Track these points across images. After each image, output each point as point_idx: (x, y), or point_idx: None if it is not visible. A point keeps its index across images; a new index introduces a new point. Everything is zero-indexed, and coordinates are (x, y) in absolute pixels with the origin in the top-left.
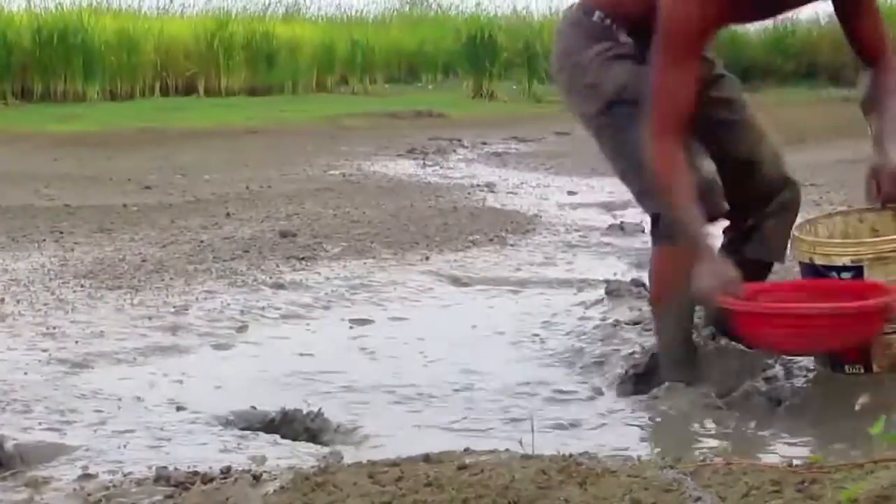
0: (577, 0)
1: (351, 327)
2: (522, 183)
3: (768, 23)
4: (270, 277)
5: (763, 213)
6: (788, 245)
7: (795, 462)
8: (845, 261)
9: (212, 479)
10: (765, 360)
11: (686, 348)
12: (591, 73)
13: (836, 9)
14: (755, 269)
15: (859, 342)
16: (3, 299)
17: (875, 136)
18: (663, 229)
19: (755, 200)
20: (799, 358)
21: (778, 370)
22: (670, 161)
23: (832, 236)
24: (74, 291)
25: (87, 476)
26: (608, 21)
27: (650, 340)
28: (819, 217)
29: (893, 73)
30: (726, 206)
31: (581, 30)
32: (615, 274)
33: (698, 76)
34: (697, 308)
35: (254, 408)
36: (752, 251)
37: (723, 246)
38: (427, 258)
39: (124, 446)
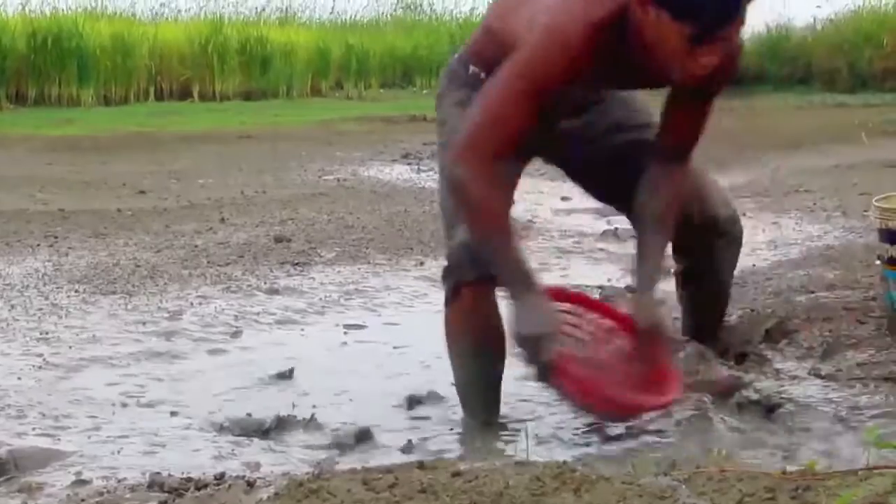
0: (458, 52)
1: (345, 332)
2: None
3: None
4: (265, 283)
5: (707, 249)
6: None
7: (789, 469)
8: None
9: (206, 486)
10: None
11: (475, 390)
12: (445, 111)
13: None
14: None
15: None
16: None
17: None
18: (465, 267)
19: (697, 236)
20: (792, 366)
21: (770, 382)
22: (495, 186)
23: None
24: (68, 296)
25: (80, 482)
26: (482, 75)
27: None
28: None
29: (675, 186)
30: None
31: (454, 78)
32: (609, 280)
33: (534, 121)
34: None
35: (248, 414)
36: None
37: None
38: (422, 263)
39: (118, 452)
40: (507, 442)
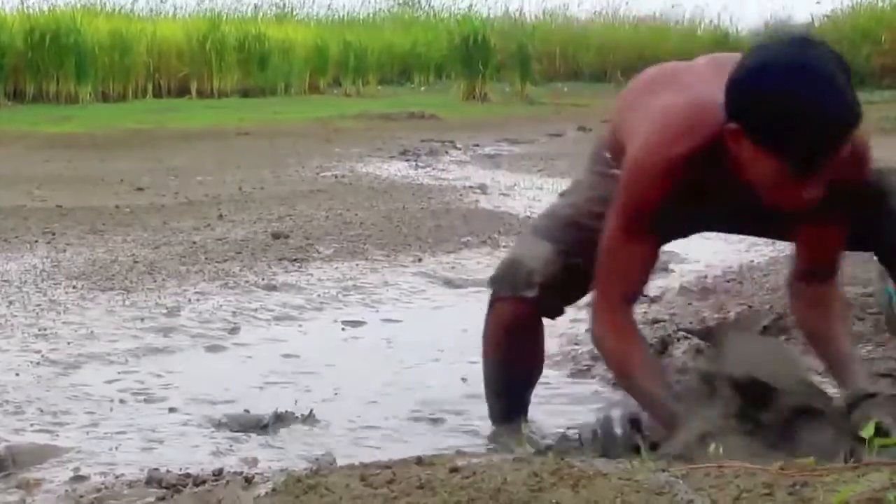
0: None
1: (343, 329)
2: (515, 185)
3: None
4: (263, 279)
5: None
6: None
7: (787, 465)
8: None
9: (204, 482)
10: None
11: (498, 398)
12: (582, 174)
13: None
14: None
15: None
16: None
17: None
18: (502, 282)
19: None
20: None
21: None
22: (624, 337)
23: None
24: (66, 293)
25: (78, 478)
26: (612, 162)
27: None
28: None
29: (829, 307)
30: (565, 309)
31: (594, 156)
32: None
33: (653, 255)
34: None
35: (246, 410)
36: None
37: None
38: (419, 260)
39: (116, 448)
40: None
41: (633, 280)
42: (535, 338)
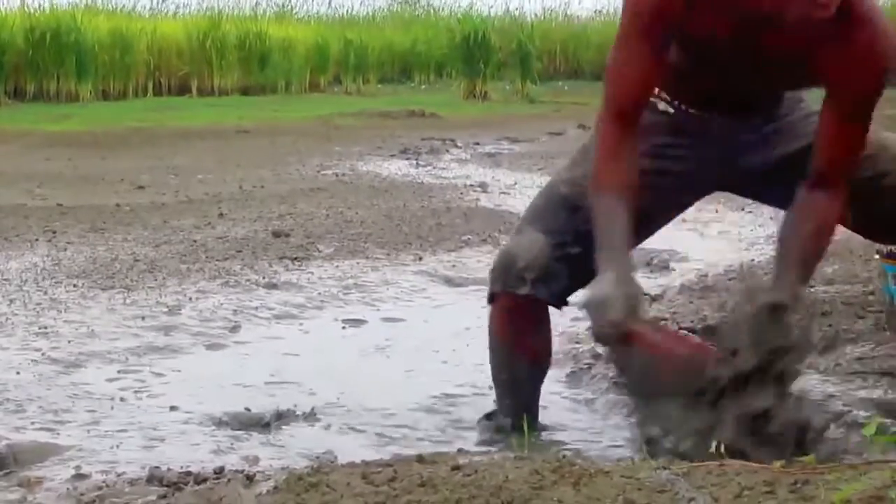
0: None
1: (344, 327)
2: (515, 183)
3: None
4: (263, 277)
5: None
6: None
7: (788, 463)
8: None
9: (205, 480)
10: None
11: (502, 391)
12: None
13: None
14: None
15: None
16: None
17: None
18: (495, 275)
19: None
20: None
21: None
22: (616, 150)
23: None
24: (67, 291)
25: (79, 476)
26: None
27: None
28: None
29: (818, 219)
30: (567, 301)
31: None
32: None
33: (649, 68)
34: None
35: (247, 408)
36: None
37: None
38: (420, 258)
39: (117, 446)
40: (505, 437)
41: (630, 89)
42: (537, 330)
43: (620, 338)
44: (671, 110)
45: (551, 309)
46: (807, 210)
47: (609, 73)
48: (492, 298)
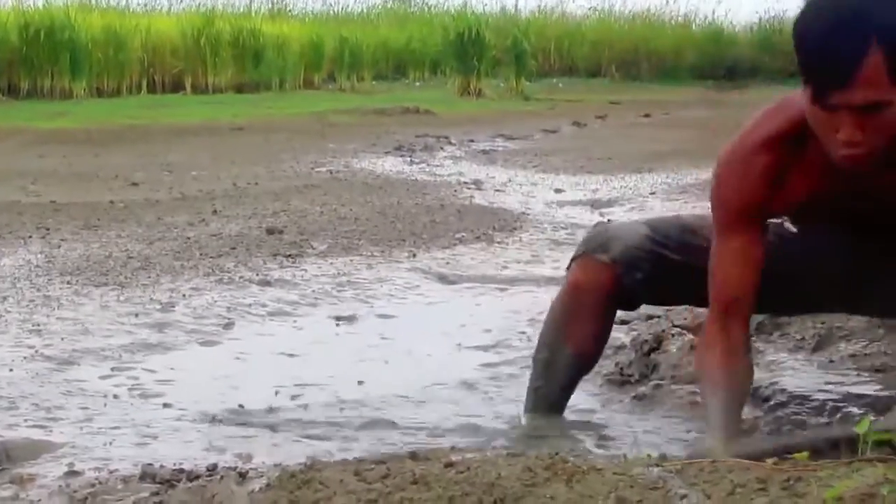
0: None
1: (337, 324)
2: (509, 180)
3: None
4: (257, 274)
5: None
6: None
7: (781, 460)
8: None
9: (198, 477)
10: None
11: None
12: None
13: None
14: None
15: None
16: None
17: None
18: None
19: None
20: (784, 358)
21: (762, 374)
22: (711, 343)
23: None
24: (60, 288)
25: (72, 473)
26: None
27: (637, 339)
28: None
29: None
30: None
31: None
32: None
33: (748, 258)
34: None
35: (241, 405)
36: None
37: None
38: (414, 255)
39: (110, 443)
40: (499, 432)
41: (733, 283)
42: (595, 317)
43: None
44: None
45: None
46: None
47: (712, 268)
48: (569, 266)
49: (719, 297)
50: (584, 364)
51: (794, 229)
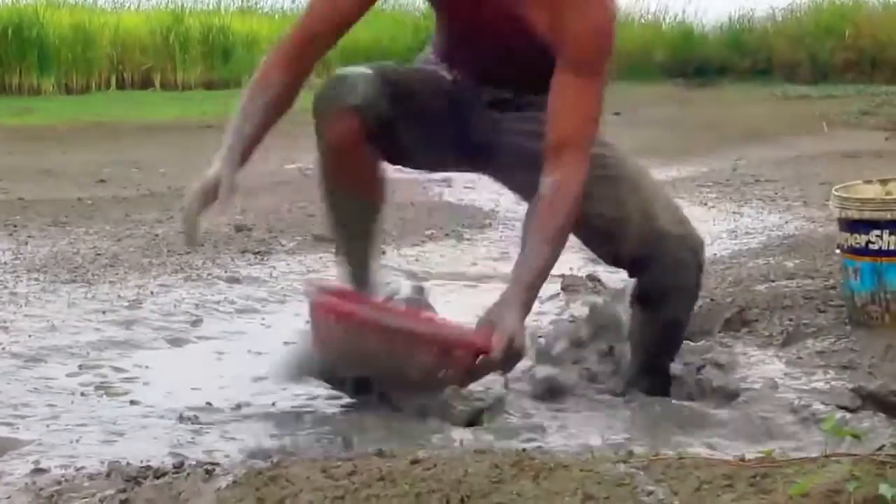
0: None
1: (307, 322)
2: (479, 178)
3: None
4: (225, 272)
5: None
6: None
7: (748, 456)
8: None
9: (164, 474)
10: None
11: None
12: None
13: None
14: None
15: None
16: None
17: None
18: None
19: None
20: (752, 354)
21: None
22: (291, 57)
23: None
24: (28, 285)
25: (38, 470)
26: None
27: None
28: (858, 182)
29: (560, 195)
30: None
31: None
32: (571, 269)
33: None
34: None
35: (208, 403)
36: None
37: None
38: (383, 253)
39: (77, 441)
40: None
41: (332, 19)
42: (367, 163)
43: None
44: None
45: None
46: (550, 187)
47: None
48: (319, 133)
49: (317, 27)
50: (374, 205)
51: (449, 77)
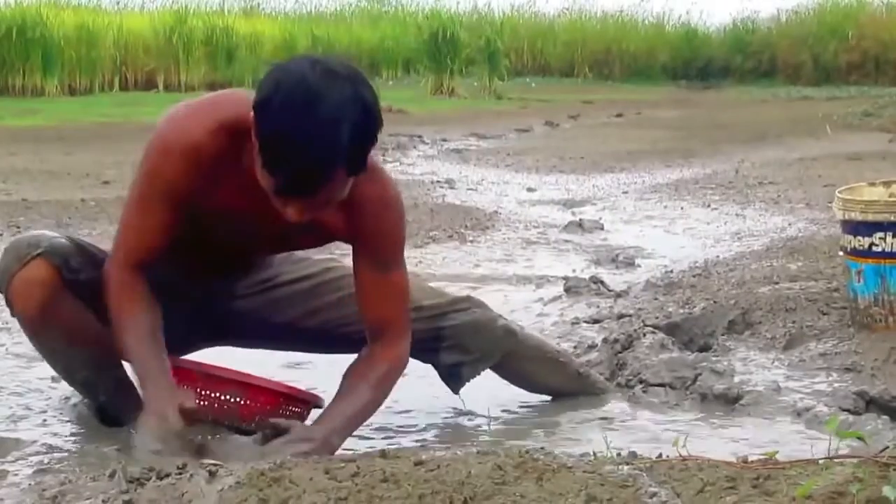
0: None
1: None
2: (482, 179)
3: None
4: None
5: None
6: None
7: (751, 458)
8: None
9: (167, 475)
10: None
11: None
12: None
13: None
14: None
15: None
16: None
17: None
18: None
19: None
20: (755, 356)
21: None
22: (125, 291)
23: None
24: None
25: (42, 471)
26: None
27: (609, 338)
28: (861, 184)
29: (384, 361)
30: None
31: None
32: (574, 271)
33: (164, 226)
34: None
35: None
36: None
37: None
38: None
39: (80, 441)
40: (469, 430)
41: (145, 245)
42: (71, 309)
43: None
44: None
45: (522, 304)
46: (366, 365)
47: (125, 223)
48: (8, 300)
49: (135, 254)
50: (103, 357)
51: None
